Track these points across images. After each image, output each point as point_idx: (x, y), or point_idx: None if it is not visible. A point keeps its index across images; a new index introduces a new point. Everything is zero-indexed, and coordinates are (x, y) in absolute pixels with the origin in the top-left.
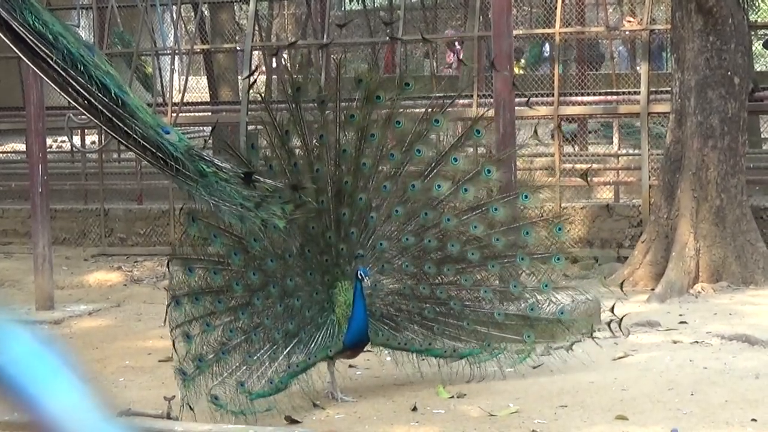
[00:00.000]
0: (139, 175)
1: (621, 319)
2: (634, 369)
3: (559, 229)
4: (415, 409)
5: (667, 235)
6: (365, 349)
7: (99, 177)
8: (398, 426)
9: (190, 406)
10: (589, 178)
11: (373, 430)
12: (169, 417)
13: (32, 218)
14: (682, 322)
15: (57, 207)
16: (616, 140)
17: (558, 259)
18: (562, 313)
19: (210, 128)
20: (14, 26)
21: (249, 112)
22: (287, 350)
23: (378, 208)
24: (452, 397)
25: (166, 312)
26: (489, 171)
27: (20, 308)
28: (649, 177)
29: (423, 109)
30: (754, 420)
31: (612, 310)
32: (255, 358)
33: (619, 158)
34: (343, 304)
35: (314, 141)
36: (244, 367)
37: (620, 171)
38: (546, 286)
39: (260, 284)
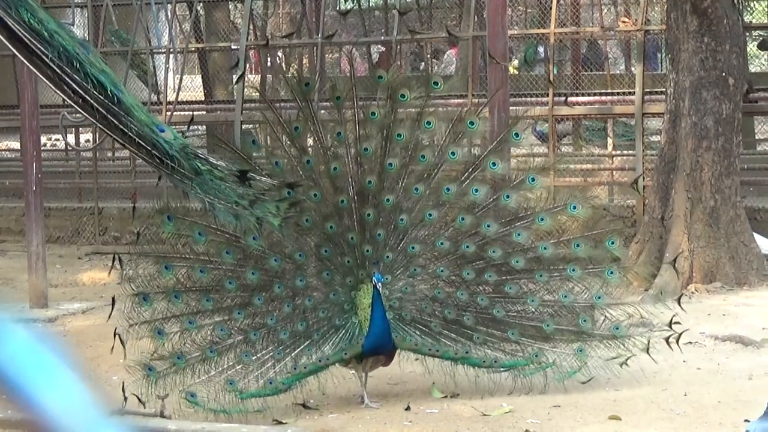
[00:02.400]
0: (133, 174)
1: (679, 336)
2: (627, 369)
3: (612, 242)
4: (408, 408)
5: (661, 236)
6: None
7: (93, 175)
8: (391, 425)
9: (139, 399)
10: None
11: (366, 429)
12: (162, 416)
13: (26, 216)
14: (675, 323)
15: (51, 205)
16: (610, 141)
17: (611, 272)
18: (617, 329)
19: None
20: (10, 23)
21: (243, 111)
22: (296, 351)
23: (409, 211)
24: (445, 396)
25: (112, 308)
26: (533, 179)
27: (14, 306)
28: (644, 177)
29: (448, 109)
30: (747, 421)
31: (670, 324)
32: (254, 357)
33: (614, 159)
34: (367, 308)
35: (330, 139)
36: (239, 366)
37: (614, 171)
38: (599, 298)
39: (261, 283)
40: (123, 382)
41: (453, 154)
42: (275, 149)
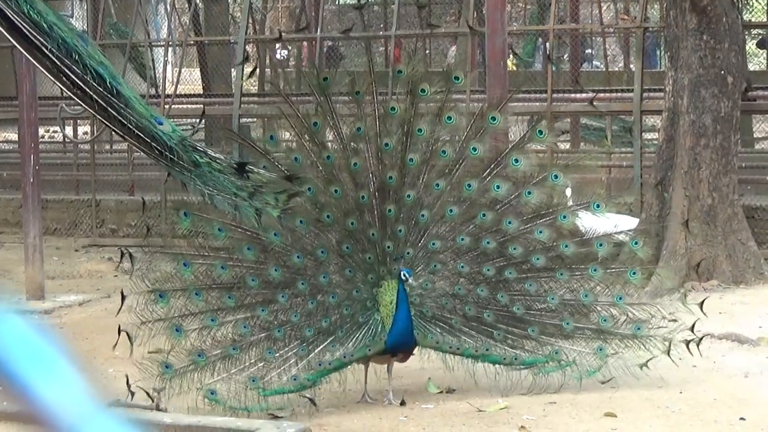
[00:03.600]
0: (130, 167)
1: (700, 340)
2: (624, 367)
3: (635, 243)
4: (403, 403)
5: (658, 234)
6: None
7: (91, 168)
8: (387, 420)
9: (131, 392)
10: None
11: (361, 424)
12: (158, 408)
13: (23, 208)
14: (672, 321)
15: (48, 197)
16: (609, 137)
17: (633, 273)
18: (638, 329)
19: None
20: (9, 15)
21: (242, 105)
22: (319, 348)
23: (430, 207)
24: (441, 392)
25: (122, 304)
26: (556, 176)
27: (11, 298)
28: (641, 175)
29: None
30: (742, 419)
31: (692, 329)
32: (278, 354)
33: (611, 156)
34: (389, 304)
35: (350, 134)
36: (261, 364)
37: (612, 168)
38: (620, 299)
39: (284, 280)
40: (126, 375)
41: (474, 150)
42: (293, 144)
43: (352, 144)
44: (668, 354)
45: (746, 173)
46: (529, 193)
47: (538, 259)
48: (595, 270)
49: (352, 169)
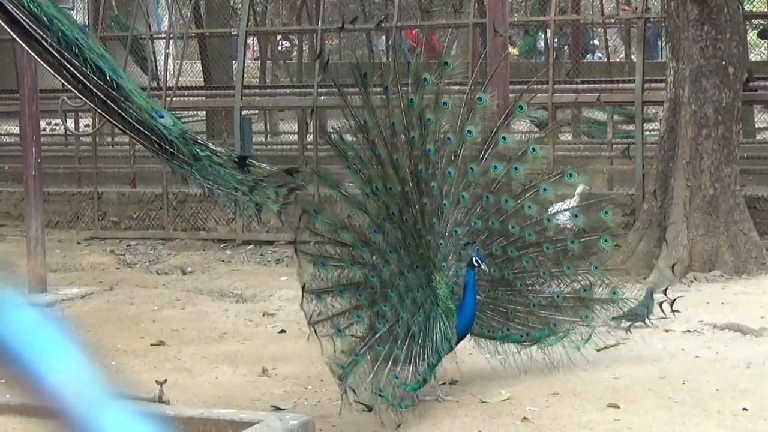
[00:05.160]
0: (132, 159)
1: (673, 301)
2: (626, 357)
3: (606, 212)
4: None
5: (660, 224)
6: None
7: (92, 160)
8: (388, 412)
9: (356, 400)
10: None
11: (364, 416)
12: (161, 401)
13: (25, 201)
14: (674, 311)
15: (50, 190)
16: (610, 129)
17: (605, 240)
18: (614, 293)
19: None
20: (9, 8)
21: (243, 97)
22: (422, 342)
23: (447, 195)
24: (444, 383)
25: (302, 306)
26: (534, 149)
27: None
28: (643, 166)
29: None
30: (745, 409)
31: (665, 292)
32: (401, 351)
33: (613, 147)
34: (443, 299)
35: (388, 129)
36: (391, 361)
37: (614, 159)
38: (596, 268)
39: (390, 277)
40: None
41: (470, 132)
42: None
43: (393, 139)
44: (645, 319)
45: (748, 164)
46: (516, 169)
47: (530, 234)
48: (572, 242)
49: (394, 164)
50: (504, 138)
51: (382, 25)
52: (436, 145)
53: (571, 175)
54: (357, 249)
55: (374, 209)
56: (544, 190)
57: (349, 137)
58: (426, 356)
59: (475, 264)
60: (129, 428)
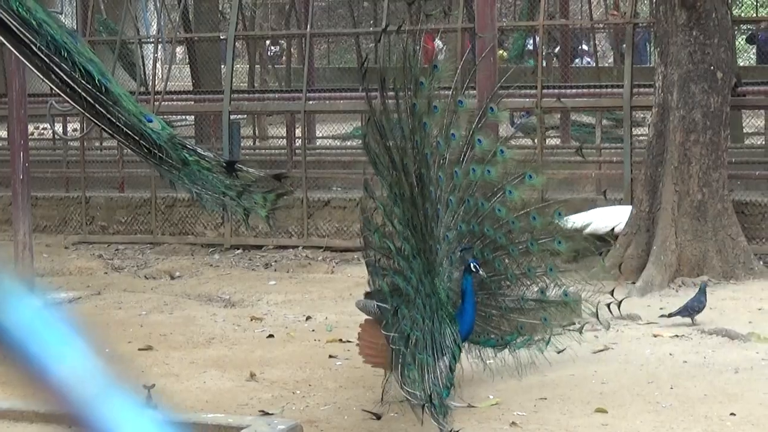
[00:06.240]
0: (120, 164)
1: (620, 302)
2: (614, 362)
3: (559, 213)
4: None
5: (649, 229)
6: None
7: (80, 165)
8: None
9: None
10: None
11: (352, 421)
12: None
13: (13, 205)
14: (662, 316)
15: (38, 194)
16: (598, 133)
17: (559, 242)
18: (566, 295)
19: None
20: None
21: (232, 102)
22: (443, 349)
23: (440, 199)
24: None
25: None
26: (502, 151)
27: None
28: (631, 171)
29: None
30: (732, 414)
31: (612, 293)
32: (432, 357)
33: (601, 152)
34: (444, 304)
35: (398, 135)
36: (428, 368)
37: (602, 164)
38: (551, 270)
39: (417, 284)
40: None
41: (453, 136)
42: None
43: (403, 143)
44: (597, 317)
45: (736, 168)
46: (489, 171)
47: (500, 237)
48: (531, 244)
49: (405, 169)
50: (479, 140)
51: (371, 29)
52: (431, 149)
53: (530, 177)
54: (394, 257)
55: (400, 215)
56: (510, 192)
57: (374, 143)
58: (449, 362)
59: (473, 269)
60: (132, 420)
